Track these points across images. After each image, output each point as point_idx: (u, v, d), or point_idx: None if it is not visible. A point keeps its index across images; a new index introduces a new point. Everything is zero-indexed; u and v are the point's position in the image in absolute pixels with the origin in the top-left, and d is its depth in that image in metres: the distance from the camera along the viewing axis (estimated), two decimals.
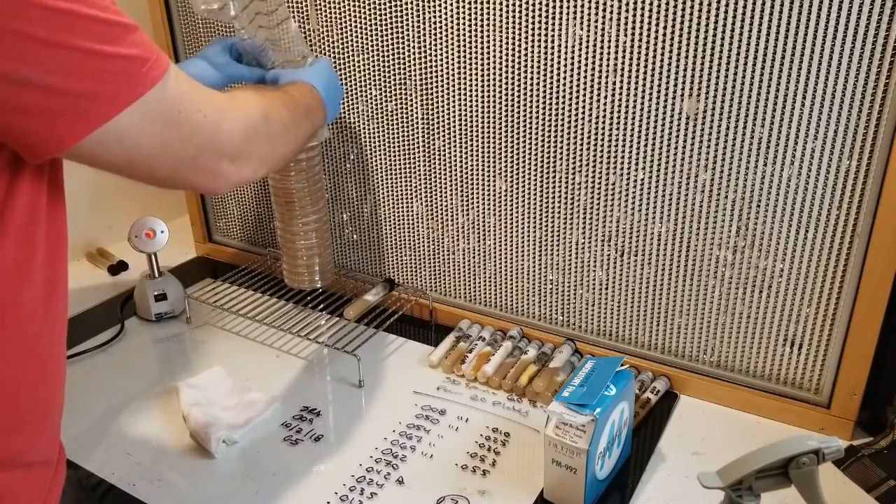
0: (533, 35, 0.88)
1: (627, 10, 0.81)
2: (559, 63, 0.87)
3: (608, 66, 0.84)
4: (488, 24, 0.90)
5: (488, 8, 0.89)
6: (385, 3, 0.97)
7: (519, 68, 0.90)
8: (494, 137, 0.96)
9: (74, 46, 0.48)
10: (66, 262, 0.60)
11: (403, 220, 1.10)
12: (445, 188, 1.03)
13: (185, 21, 1.19)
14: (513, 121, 0.94)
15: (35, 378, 0.57)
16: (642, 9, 0.80)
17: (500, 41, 0.90)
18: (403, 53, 0.99)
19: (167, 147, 0.57)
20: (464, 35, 0.92)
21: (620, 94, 0.85)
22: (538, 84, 0.90)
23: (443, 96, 0.98)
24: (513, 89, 0.92)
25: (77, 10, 0.47)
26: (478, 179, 1.00)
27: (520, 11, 0.87)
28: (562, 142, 0.91)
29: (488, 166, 0.98)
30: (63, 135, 0.50)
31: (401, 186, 1.08)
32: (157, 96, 0.53)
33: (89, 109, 0.50)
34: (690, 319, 0.92)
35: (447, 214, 1.05)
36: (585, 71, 0.86)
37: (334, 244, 1.19)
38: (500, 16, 0.89)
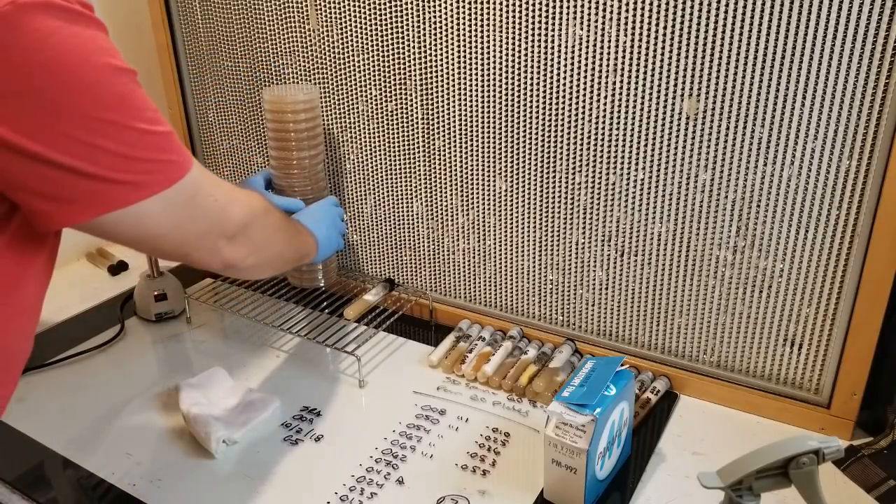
0: (533, 35, 0.88)
1: (627, 10, 0.81)
2: (559, 63, 0.87)
3: (608, 66, 0.84)
4: (488, 24, 0.90)
5: (488, 8, 0.89)
6: (385, 3, 0.97)
7: (519, 68, 0.90)
8: (494, 137, 0.96)
9: (110, 149, 0.53)
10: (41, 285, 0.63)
11: (403, 220, 1.10)
12: (445, 188, 1.03)
13: (185, 21, 1.19)
14: (513, 121, 0.94)
15: None
16: (642, 9, 0.80)
17: (500, 41, 0.90)
18: (403, 53, 0.99)
19: (178, 226, 0.61)
20: (464, 35, 0.92)
21: (620, 94, 0.85)
22: (538, 84, 0.90)
23: (443, 96, 0.98)
24: (513, 89, 0.92)
25: (125, 123, 0.53)
26: (478, 179, 1.00)
27: (520, 11, 0.87)
28: (562, 142, 0.91)
29: (488, 166, 0.98)
30: (77, 211, 0.54)
31: (401, 186, 1.08)
32: (178, 185, 0.59)
33: (110, 194, 0.54)
34: (690, 319, 0.92)
35: (447, 214, 1.05)
36: (585, 71, 0.86)
37: None
38: (500, 16, 0.89)
